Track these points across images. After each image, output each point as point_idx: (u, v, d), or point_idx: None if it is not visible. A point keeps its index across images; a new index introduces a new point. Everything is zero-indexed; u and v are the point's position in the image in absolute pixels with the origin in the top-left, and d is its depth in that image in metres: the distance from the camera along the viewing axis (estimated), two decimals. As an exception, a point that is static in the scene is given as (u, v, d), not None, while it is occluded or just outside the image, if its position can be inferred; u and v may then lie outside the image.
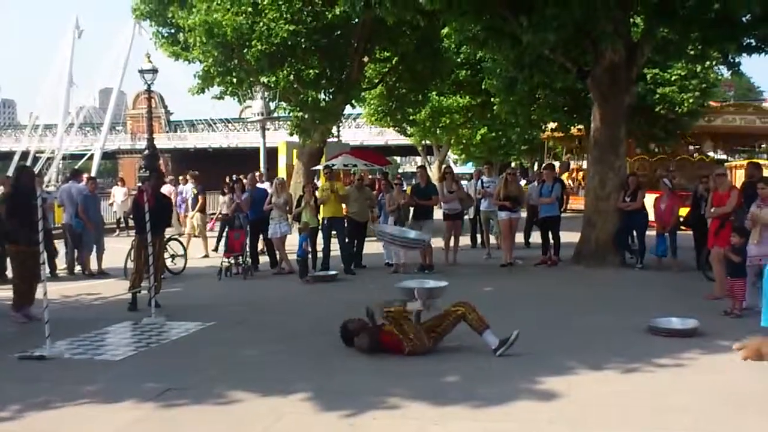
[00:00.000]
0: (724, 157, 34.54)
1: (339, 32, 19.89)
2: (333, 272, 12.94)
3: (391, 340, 7.11)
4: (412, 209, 13.96)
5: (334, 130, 25.36)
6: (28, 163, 50.64)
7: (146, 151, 26.67)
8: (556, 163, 32.25)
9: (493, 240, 15.80)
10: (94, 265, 13.91)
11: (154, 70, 25.51)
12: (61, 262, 14.00)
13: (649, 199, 14.29)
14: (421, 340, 7.04)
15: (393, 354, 7.09)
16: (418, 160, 67.73)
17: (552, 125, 27.47)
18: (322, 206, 13.63)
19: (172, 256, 13.70)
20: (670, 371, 6.49)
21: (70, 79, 67.67)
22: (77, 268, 13.86)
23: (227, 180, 19.40)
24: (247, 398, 5.83)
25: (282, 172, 22.89)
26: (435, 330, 7.16)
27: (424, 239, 7.59)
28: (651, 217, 13.86)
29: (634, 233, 13.75)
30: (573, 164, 33.53)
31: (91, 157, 67.39)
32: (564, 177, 31.53)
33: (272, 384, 6.15)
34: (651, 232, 13.60)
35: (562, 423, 5.20)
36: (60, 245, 14.10)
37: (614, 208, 13.50)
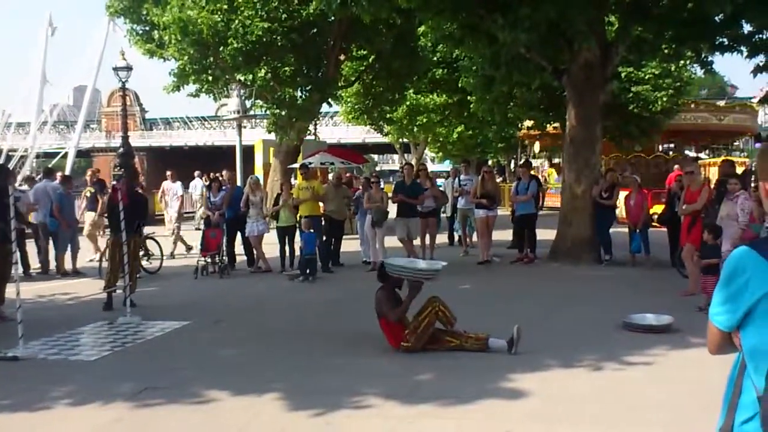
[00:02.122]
0: (699, 154, 34.97)
1: (315, 30, 19.85)
2: (311, 270, 12.93)
3: (397, 327, 7.17)
4: (396, 207, 13.94)
5: (311, 127, 25.31)
6: (1, 161, 49.98)
7: (121, 150, 26.44)
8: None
9: (475, 238, 15.85)
10: (68, 265, 13.77)
11: (129, 68, 25.29)
12: (34, 262, 13.84)
13: (620, 196, 14.50)
14: (419, 343, 7.08)
15: (378, 344, 7.20)
16: (396, 158, 67.76)
17: (528, 123, 27.60)
18: (299, 204, 13.62)
19: (148, 255, 13.61)
20: (644, 367, 6.56)
21: (44, 76, 66.85)
22: (51, 267, 13.71)
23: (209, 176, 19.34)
24: (223, 397, 5.81)
25: (259, 170, 22.81)
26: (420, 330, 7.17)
27: (436, 269, 7.60)
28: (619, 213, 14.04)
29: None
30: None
31: (65, 156, 66.70)
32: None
33: (249, 383, 6.14)
34: (622, 229, 13.75)
35: (536, 420, 5.24)
36: (31, 244, 13.91)
37: (590, 205, 13.59)
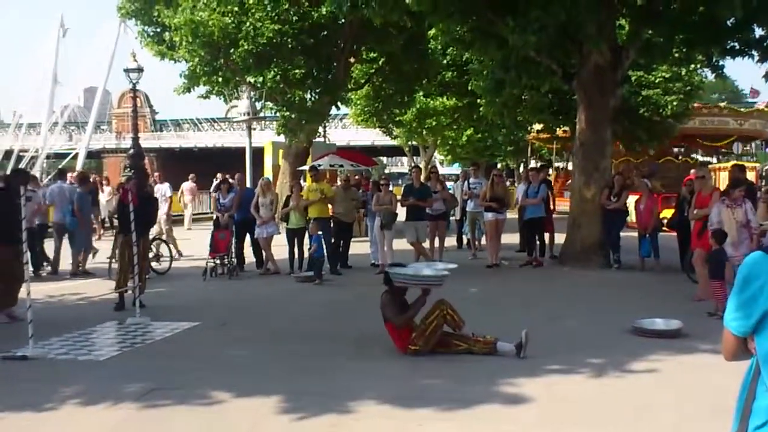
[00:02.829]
0: (710, 159, 34.80)
1: (325, 32, 19.87)
2: (319, 272, 12.93)
3: (405, 330, 7.17)
4: (405, 210, 13.92)
5: (321, 130, 25.33)
6: (12, 161, 50.24)
7: (131, 151, 26.49)
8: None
9: (484, 241, 15.81)
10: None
11: (140, 69, 25.32)
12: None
13: (630, 200, 14.43)
14: (427, 346, 7.09)
15: (386, 346, 7.22)
16: (405, 160, 67.73)
17: (538, 127, 27.57)
18: (308, 206, 13.62)
19: (157, 256, 13.64)
20: (653, 372, 6.53)
21: (55, 77, 67.03)
22: (62, 267, 13.76)
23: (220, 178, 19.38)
24: (231, 399, 5.82)
25: (268, 172, 22.85)
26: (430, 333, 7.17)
27: (442, 275, 7.59)
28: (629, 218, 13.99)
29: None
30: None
31: (75, 156, 66.89)
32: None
33: (256, 384, 6.14)
34: (632, 234, 13.69)
35: (543, 424, 5.23)
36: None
37: (599, 209, 13.55)
